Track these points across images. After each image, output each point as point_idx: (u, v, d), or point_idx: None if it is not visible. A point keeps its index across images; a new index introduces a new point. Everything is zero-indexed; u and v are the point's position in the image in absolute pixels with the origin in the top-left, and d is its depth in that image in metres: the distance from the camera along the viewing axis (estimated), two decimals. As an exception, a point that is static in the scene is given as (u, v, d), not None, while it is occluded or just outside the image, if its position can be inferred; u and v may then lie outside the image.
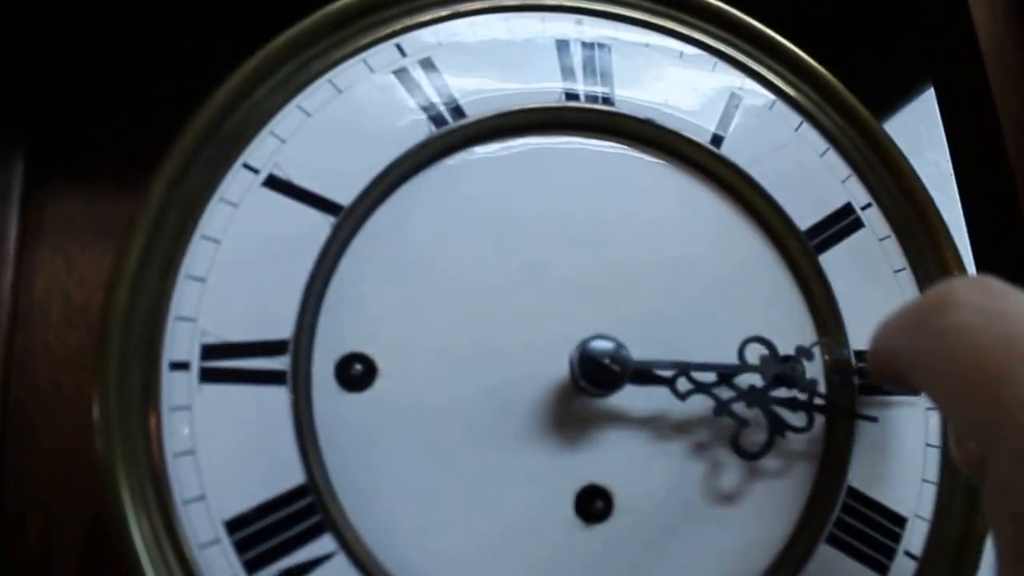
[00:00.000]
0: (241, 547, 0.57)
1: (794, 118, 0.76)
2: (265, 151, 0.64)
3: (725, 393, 0.67)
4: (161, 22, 0.84)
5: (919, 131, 0.94)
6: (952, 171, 0.84)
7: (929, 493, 0.70)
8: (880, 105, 0.81)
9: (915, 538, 0.69)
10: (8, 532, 0.78)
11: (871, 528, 0.68)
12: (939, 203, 0.75)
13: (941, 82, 0.86)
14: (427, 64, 0.69)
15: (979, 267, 0.80)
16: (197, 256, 0.61)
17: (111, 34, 0.85)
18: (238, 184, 0.63)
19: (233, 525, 0.58)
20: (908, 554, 0.68)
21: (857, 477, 0.69)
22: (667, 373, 0.66)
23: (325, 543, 0.59)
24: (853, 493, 0.68)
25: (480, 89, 0.70)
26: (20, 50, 0.84)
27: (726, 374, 0.67)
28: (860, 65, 0.79)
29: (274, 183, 0.63)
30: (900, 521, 0.69)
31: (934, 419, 0.71)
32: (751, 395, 0.67)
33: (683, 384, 0.66)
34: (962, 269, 0.74)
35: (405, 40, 0.70)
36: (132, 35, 0.84)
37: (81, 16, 0.85)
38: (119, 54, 0.84)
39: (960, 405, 0.50)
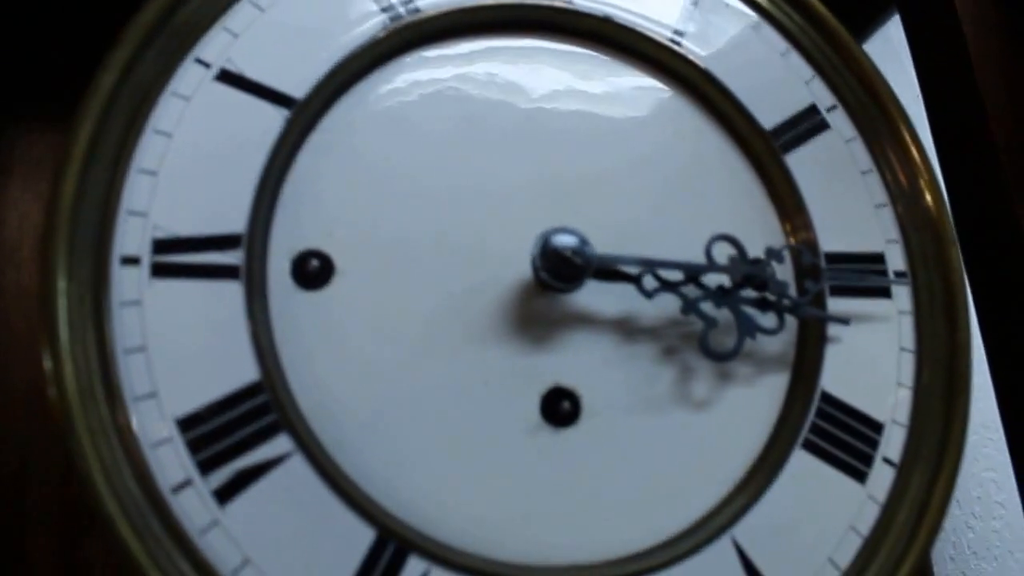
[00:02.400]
0: (194, 446, 0.55)
1: (752, 17, 0.75)
2: (217, 45, 0.62)
3: (693, 293, 0.65)
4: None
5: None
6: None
7: (905, 398, 0.69)
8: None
9: (893, 444, 0.68)
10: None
11: (847, 434, 0.67)
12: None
13: (906, 8, 0.85)
14: (383, -40, 0.68)
15: (947, 181, 0.79)
16: (148, 150, 0.59)
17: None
18: (190, 78, 0.61)
19: (185, 423, 0.56)
20: (887, 460, 0.67)
21: (831, 382, 0.67)
22: (633, 270, 0.65)
23: (281, 442, 0.57)
24: (827, 398, 0.67)
25: (437, -14, 0.68)
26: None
27: (693, 273, 0.66)
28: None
29: (227, 77, 0.62)
30: (877, 427, 0.67)
31: (907, 322, 0.70)
32: (720, 295, 0.66)
33: (649, 283, 0.65)
34: (929, 170, 0.73)
35: (361, -66, 0.68)
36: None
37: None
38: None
39: None
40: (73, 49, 0.81)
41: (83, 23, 0.82)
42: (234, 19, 0.63)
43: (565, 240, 0.62)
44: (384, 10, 0.66)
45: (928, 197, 0.73)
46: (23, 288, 0.81)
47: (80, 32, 0.82)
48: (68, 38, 0.83)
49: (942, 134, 0.81)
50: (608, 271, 0.64)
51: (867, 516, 0.66)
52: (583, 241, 0.63)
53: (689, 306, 0.65)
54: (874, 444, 0.67)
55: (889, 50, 0.88)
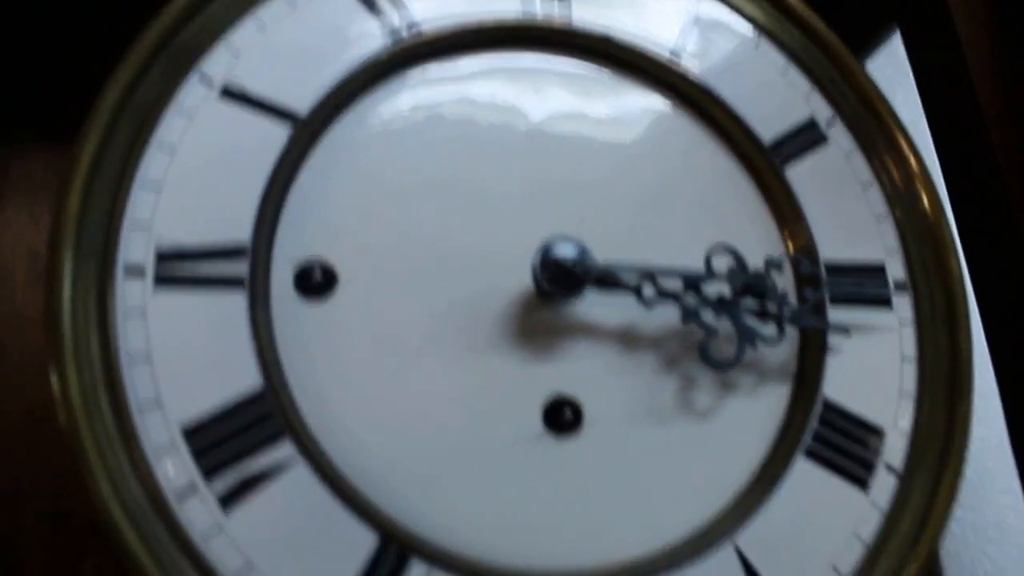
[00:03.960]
0: (199, 454, 0.56)
1: (752, 34, 0.76)
2: (221, 63, 0.63)
3: (693, 303, 0.66)
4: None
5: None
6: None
7: (907, 406, 0.69)
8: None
9: (895, 451, 0.68)
10: (-29, 494, 0.76)
11: (850, 441, 0.67)
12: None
13: (906, 24, 0.86)
14: (384, -20, 0.69)
15: (951, 194, 0.79)
16: (152, 164, 0.60)
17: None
18: (194, 94, 0.62)
19: (190, 431, 0.56)
20: (889, 467, 0.67)
21: (833, 390, 0.68)
22: (632, 279, 0.65)
23: (284, 449, 0.57)
24: (829, 406, 0.67)
25: (436, 5, 0.69)
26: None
27: (692, 281, 0.66)
28: (825, 9, 0.79)
29: (229, 94, 0.63)
30: (879, 434, 0.68)
31: (909, 332, 0.70)
32: (720, 305, 0.66)
33: (649, 292, 0.65)
34: (926, 175, 0.74)
35: (362, -44, 0.70)
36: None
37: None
38: (82, 11, 0.84)
39: None
40: (68, 71, 0.82)
41: (79, 45, 0.82)
42: (237, 38, 0.64)
43: (565, 249, 0.63)
44: (388, 32, 0.67)
45: (925, 201, 0.73)
46: (17, 311, 0.80)
47: (76, 54, 0.82)
48: (63, 60, 0.83)
49: (944, 146, 0.81)
50: (608, 280, 0.65)
51: (870, 523, 0.66)
52: (583, 250, 0.64)
53: (689, 315, 0.65)
54: (876, 451, 0.67)
55: (896, 66, 0.89)
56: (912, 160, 0.74)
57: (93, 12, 0.80)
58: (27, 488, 0.76)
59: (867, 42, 0.92)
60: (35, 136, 0.85)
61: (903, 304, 0.71)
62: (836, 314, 0.69)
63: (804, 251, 0.71)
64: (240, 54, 0.64)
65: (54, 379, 0.55)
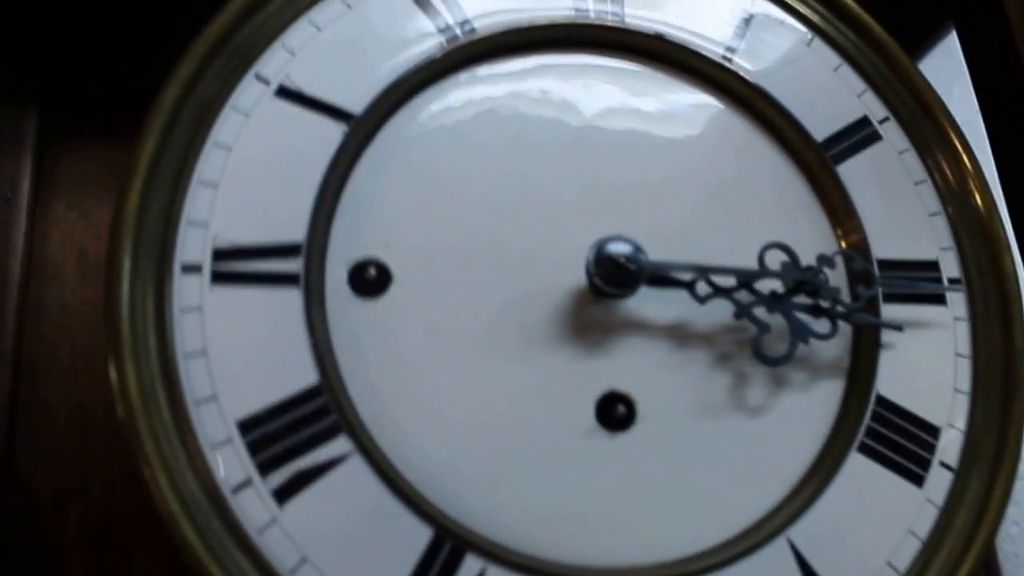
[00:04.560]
0: (254, 448, 0.57)
1: (806, 34, 0.76)
2: (276, 63, 0.64)
3: (746, 299, 0.66)
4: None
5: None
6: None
7: (962, 403, 0.69)
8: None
9: (950, 448, 0.68)
10: (21, 489, 0.76)
11: (904, 438, 0.67)
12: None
13: (961, 22, 0.86)
14: (438, -19, 0.70)
15: (1005, 189, 0.79)
16: (209, 163, 0.61)
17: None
18: (250, 94, 0.63)
19: (246, 425, 0.57)
20: (944, 464, 0.67)
21: (887, 386, 0.68)
22: (686, 276, 0.65)
23: (340, 444, 0.58)
24: (883, 402, 0.67)
25: (490, 5, 0.70)
26: (32, 5, 0.85)
27: (746, 279, 0.66)
28: (878, 7, 0.79)
29: (285, 93, 0.64)
30: (934, 431, 0.68)
31: (963, 328, 0.70)
32: (772, 301, 0.66)
33: (703, 289, 0.65)
34: (980, 173, 0.74)
35: (417, -43, 0.70)
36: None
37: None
38: (136, 9, 0.84)
39: None
40: (118, 69, 0.83)
41: (129, 43, 0.83)
42: (292, 38, 0.65)
43: (619, 247, 0.64)
44: (441, 31, 0.68)
45: (978, 198, 0.73)
46: (66, 306, 0.81)
47: (126, 52, 0.83)
48: (113, 58, 0.84)
49: (999, 144, 0.81)
50: (661, 278, 0.65)
51: (925, 519, 0.66)
52: (637, 248, 0.64)
53: (742, 311, 0.65)
54: (931, 448, 0.67)
55: (954, 64, 0.88)
56: (965, 158, 0.74)
57: (146, 11, 0.81)
58: (75, 485, 0.77)
59: (923, 40, 0.91)
60: (84, 134, 0.86)
61: (957, 301, 0.71)
62: (890, 311, 0.69)
63: (857, 248, 0.71)
64: (296, 54, 0.65)
65: (113, 373, 0.55)
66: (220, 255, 0.59)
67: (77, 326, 0.80)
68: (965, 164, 0.74)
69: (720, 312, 0.66)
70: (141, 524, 0.75)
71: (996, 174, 0.79)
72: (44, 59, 0.86)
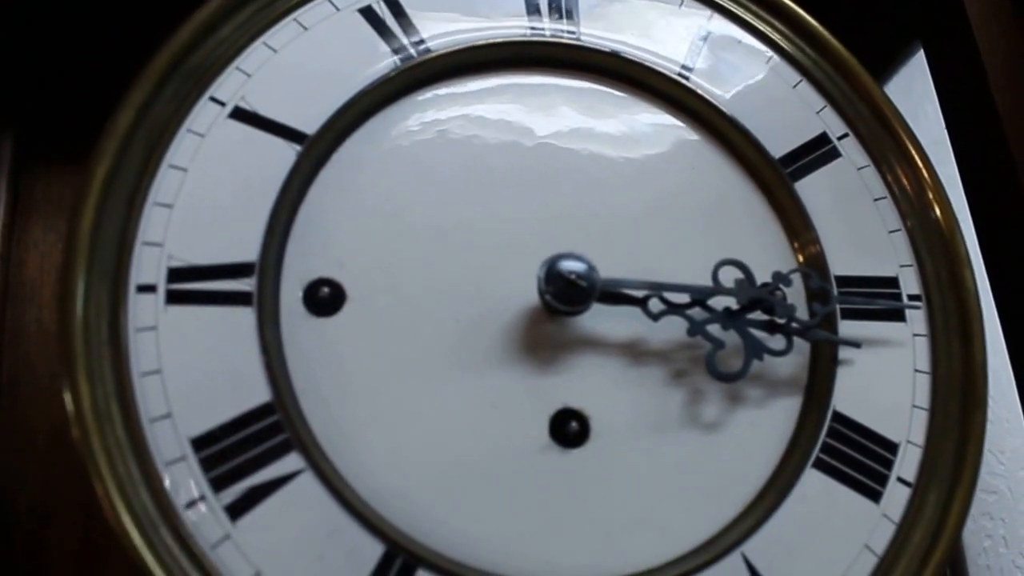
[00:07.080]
0: (207, 464, 0.57)
1: (765, 51, 0.77)
2: (231, 85, 0.65)
3: (700, 316, 0.66)
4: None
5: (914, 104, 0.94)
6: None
7: (921, 419, 0.69)
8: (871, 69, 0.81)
9: (908, 464, 0.68)
10: (1, 508, 0.77)
11: (861, 453, 0.67)
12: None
13: (928, 41, 0.86)
14: (392, 2, 0.70)
15: (972, 205, 0.79)
16: (164, 184, 0.62)
17: (97, 13, 0.86)
18: (205, 116, 0.64)
19: (199, 442, 0.58)
20: (901, 480, 0.67)
21: (844, 402, 0.68)
22: (639, 293, 0.66)
23: (292, 460, 0.58)
24: (840, 418, 0.67)
25: (445, 26, 0.70)
26: (6, 31, 0.86)
27: (699, 296, 0.66)
28: (846, 28, 0.79)
29: (240, 114, 0.64)
30: (891, 447, 0.68)
31: (923, 344, 0.70)
32: (727, 318, 0.67)
33: (656, 305, 0.66)
34: (938, 185, 0.74)
35: (370, -23, 0.71)
36: (119, 14, 0.85)
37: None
38: (106, 32, 0.85)
39: None
40: (93, 90, 0.83)
41: (100, 66, 0.83)
42: (248, 60, 0.66)
43: (570, 264, 0.64)
44: (395, 51, 0.68)
45: (938, 211, 0.74)
46: (44, 329, 0.82)
47: (98, 77, 0.83)
48: (86, 81, 0.85)
49: (965, 160, 0.81)
50: (614, 295, 0.65)
51: (882, 535, 0.66)
52: (589, 266, 0.64)
53: (695, 328, 0.66)
54: (888, 464, 0.67)
55: (926, 83, 0.88)
56: (924, 171, 0.74)
57: (122, 37, 0.82)
58: (55, 503, 0.78)
59: (891, 59, 0.92)
60: (60, 158, 0.87)
61: (917, 317, 0.71)
62: (848, 327, 0.70)
63: (815, 265, 0.71)
64: (251, 75, 0.65)
65: (67, 395, 0.56)
66: (175, 275, 0.60)
67: (55, 347, 0.80)
68: (924, 178, 0.74)
69: (675, 329, 0.66)
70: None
71: (963, 191, 0.80)
72: (19, 84, 0.87)
